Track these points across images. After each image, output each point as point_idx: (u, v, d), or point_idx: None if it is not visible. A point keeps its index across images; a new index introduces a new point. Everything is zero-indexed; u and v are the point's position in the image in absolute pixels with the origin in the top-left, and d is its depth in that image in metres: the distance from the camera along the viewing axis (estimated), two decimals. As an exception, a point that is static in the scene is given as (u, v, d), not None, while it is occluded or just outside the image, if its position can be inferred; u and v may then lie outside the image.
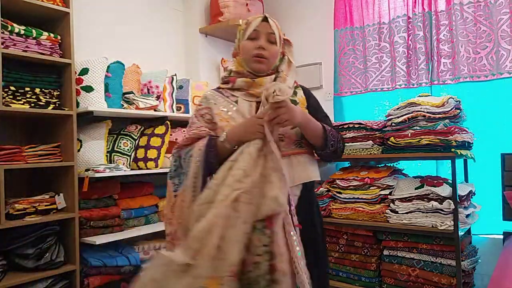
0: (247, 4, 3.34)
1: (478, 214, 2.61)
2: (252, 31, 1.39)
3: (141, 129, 2.68)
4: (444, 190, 2.38)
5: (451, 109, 2.38)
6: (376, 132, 2.66)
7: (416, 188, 2.47)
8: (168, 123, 2.76)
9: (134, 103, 2.62)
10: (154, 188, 2.80)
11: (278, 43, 1.43)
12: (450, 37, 2.78)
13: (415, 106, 2.49)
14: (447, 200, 2.34)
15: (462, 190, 2.43)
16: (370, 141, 2.65)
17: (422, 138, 2.40)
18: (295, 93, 1.45)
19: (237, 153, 1.23)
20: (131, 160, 2.58)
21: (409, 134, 2.46)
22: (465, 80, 2.72)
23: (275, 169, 1.17)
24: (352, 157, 2.73)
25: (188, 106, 3.02)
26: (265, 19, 1.40)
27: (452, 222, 2.29)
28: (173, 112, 2.90)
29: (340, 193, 2.73)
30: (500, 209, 2.53)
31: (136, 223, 2.58)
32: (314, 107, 1.48)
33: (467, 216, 2.41)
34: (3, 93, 2.06)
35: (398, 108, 2.58)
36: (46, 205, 2.18)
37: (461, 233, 2.30)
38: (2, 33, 2.05)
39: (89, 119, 2.46)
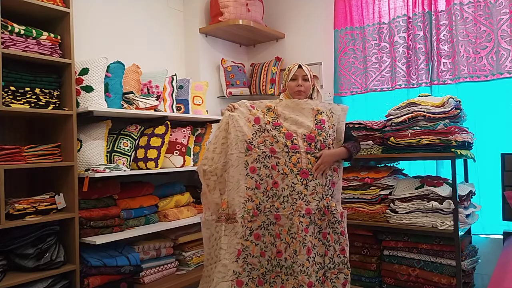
0: (247, 4, 3.34)
1: (478, 214, 2.61)
2: (293, 75, 2.09)
3: (141, 129, 2.67)
4: (444, 190, 2.38)
5: (451, 109, 2.38)
6: (376, 132, 2.66)
7: (416, 188, 2.47)
8: (168, 123, 2.75)
9: (134, 103, 2.62)
10: (154, 188, 2.80)
11: (310, 80, 2.11)
12: (450, 37, 2.78)
13: (415, 106, 2.49)
14: (447, 200, 2.34)
15: (462, 190, 2.43)
16: (370, 141, 2.65)
17: (422, 138, 2.40)
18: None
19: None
20: (131, 160, 2.58)
21: (409, 134, 2.46)
22: (465, 80, 2.72)
23: None
24: (352, 157, 2.73)
25: (188, 106, 3.02)
26: (300, 67, 2.09)
27: (452, 222, 2.29)
28: (173, 112, 2.90)
29: (340, 193, 2.73)
30: (500, 209, 2.53)
31: (136, 223, 2.58)
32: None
33: (467, 216, 2.42)
34: (3, 93, 2.05)
35: (398, 108, 2.58)
36: (46, 205, 2.18)
37: (461, 233, 2.30)
38: (2, 33, 2.04)
39: (89, 119, 2.45)
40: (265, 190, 1.94)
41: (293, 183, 1.91)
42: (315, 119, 2.00)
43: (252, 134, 1.97)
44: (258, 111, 2.03)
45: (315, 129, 1.97)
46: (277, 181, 1.93)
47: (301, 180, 1.91)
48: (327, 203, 1.95)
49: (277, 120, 2.00)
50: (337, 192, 2.03)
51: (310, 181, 1.92)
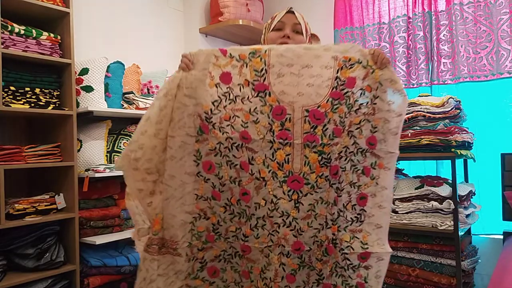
0: (247, 4, 3.34)
1: (478, 214, 2.61)
2: (277, 22, 1.34)
3: (141, 129, 2.67)
4: (444, 190, 2.38)
5: (451, 109, 2.38)
6: (376, 132, 2.65)
7: (416, 188, 2.47)
8: (168, 123, 2.75)
9: (134, 103, 2.62)
10: (154, 188, 2.79)
11: (305, 34, 1.38)
12: (450, 37, 2.78)
13: (415, 106, 2.49)
14: (447, 200, 2.34)
15: (462, 190, 2.43)
16: (370, 141, 2.65)
17: (422, 138, 2.40)
18: None
19: None
20: (131, 160, 2.57)
21: (409, 134, 2.46)
22: (465, 80, 2.72)
23: None
24: (352, 157, 2.72)
25: (188, 106, 3.01)
26: (290, 11, 1.36)
27: (452, 222, 2.29)
28: (173, 112, 2.89)
29: (340, 193, 2.73)
30: (500, 209, 2.53)
31: (136, 223, 2.58)
32: None
33: (467, 216, 2.41)
34: (3, 93, 2.05)
35: (398, 108, 2.58)
36: (46, 205, 2.18)
37: (461, 233, 2.30)
38: (2, 33, 2.04)
39: (89, 119, 2.46)
40: (228, 202, 1.23)
41: (275, 196, 1.18)
42: (336, 79, 1.18)
43: (213, 103, 1.19)
44: (233, 59, 1.20)
45: (328, 100, 1.17)
46: (248, 190, 1.20)
47: (289, 193, 1.18)
48: (333, 233, 1.20)
49: (264, 79, 1.18)
50: (375, 212, 1.21)
51: (306, 194, 1.17)
